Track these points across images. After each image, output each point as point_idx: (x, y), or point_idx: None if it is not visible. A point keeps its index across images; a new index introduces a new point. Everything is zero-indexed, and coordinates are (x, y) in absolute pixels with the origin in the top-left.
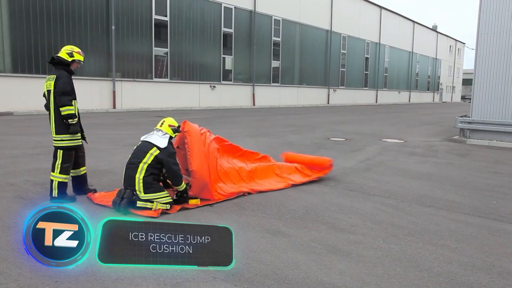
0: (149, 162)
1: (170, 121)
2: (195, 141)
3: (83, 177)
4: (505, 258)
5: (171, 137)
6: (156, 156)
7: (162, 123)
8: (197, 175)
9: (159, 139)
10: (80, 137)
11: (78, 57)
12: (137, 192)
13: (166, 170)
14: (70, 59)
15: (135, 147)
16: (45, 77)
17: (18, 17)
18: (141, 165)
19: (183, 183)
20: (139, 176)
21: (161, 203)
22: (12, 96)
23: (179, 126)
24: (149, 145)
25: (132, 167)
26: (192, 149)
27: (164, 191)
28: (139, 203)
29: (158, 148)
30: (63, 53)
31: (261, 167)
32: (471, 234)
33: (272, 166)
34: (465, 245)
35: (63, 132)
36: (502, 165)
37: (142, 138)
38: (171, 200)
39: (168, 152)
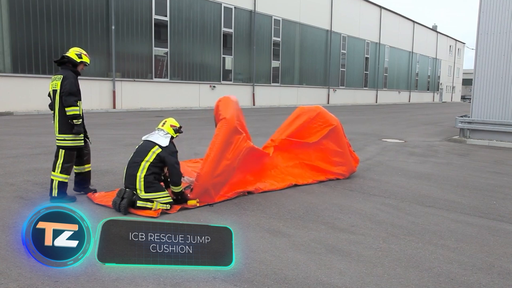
0: (151, 160)
1: (172, 121)
2: (218, 145)
3: (87, 174)
4: (505, 258)
5: (172, 137)
6: (158, 155)
7: (164, 123)
8: (201, 180)
9: (161, 138)
10: (82, 138)
11: (86, 59)
12: (138, 191)
13: (167, 168)
14: (78, 60)
15: (136, 147)
16: (45, 77)
17: (18, 17)
18: (143, 163)
19: (180, 185)
20: (141, 174)
21: (161, 203)
22: (12, 96)
23: (180, 127)
24: (151, 144)
25: (134, 165)
26: (209, 154)
27: (165, 191)
28: (139, 203)
29: (160, 146)
30: (72, 54)
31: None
32: (471, 234)
33: (276, 166)
34: (465, 245)
35: (66, 132)
36: (502, 165)
37: (144, 138)
38: (171, 200)
39: (170, 151)
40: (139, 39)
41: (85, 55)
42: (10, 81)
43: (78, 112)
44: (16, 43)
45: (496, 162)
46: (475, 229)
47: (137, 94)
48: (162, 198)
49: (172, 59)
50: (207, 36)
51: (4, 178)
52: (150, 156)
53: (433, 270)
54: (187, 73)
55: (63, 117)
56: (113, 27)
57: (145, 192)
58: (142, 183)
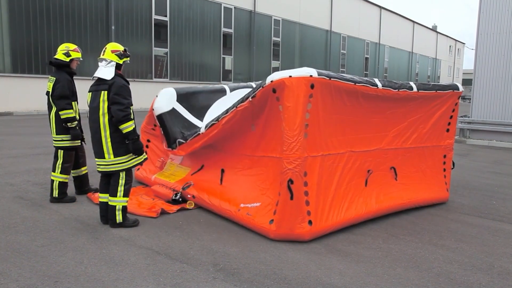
0: (106, 112)
1: (112, 46)
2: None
3: (85, 177)
4: (505, 258)
5: (118, 64)
6: (108, 99)
7: (104, 51)
8: None
9: (103, 69)
10: (80, 138)
11: (76, 55)
12: (106, 157)
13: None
14: (68, 59)
15: (89, 97)
16: (45, 77)
17: (18, 17)
18: (101, 119)
19: (129, 123)
20: (105, 134)
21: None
22: (12, 96)
23: (125, 50)
24: (98, 93)
25: (94, 127)
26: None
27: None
28: (114, 201)
29: (105, 88)
30: (59, 54)
31: None
32: (471, 234)
33: None
34: (465, 245)
35: (63, 133)
36: (502, 165)
37: (94, 75)
38: (145, 156)
39: (116, 86)
40: (139, 39)
41: (73, 51)
42: (10, 81)
43: (72, 115)
44: (16, 43)
45: (496, 162)
46: (475, 229)
47: (137, 94)
48: (136, 158)
49: (172, 59)
50: (207, 36)
51: (4, 178)
52: (103, 108)
53: (433, 270)
54: (187, 73)
55: (59, 118)
56: (113, 27)
57: (115, 156)
58: (110, 143)
